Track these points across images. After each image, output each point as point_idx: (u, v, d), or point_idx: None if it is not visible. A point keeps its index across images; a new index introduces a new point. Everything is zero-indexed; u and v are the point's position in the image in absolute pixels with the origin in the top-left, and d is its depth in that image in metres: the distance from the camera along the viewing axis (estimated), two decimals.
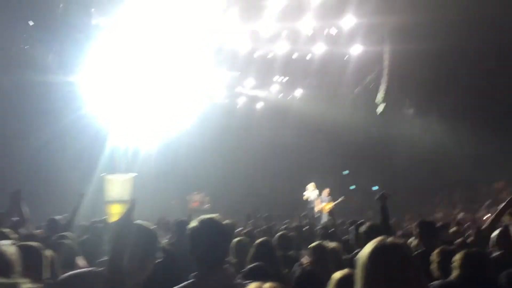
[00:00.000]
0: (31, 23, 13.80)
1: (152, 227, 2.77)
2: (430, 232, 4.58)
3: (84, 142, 14.63)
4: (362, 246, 2.02)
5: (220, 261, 2.54)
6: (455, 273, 3.25)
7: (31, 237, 5.21)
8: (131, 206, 2.52)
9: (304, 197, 15.77)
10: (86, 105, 14.96)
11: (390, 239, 1.92)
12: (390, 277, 1.77)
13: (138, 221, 2.70)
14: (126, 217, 2.51)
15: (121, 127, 16.34)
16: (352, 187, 16.17)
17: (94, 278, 2.49)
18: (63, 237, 4.85)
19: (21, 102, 14.72)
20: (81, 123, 14.57)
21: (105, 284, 2.37)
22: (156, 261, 2.70)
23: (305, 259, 3.95)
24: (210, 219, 2.59)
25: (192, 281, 2.47)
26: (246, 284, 2.36)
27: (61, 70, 13.77)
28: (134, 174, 7.39)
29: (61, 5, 13.35)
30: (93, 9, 14.16)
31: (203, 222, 2.56)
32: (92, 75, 14.72)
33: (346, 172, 17.90)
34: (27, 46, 14.25)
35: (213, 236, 2.52)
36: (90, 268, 2.58)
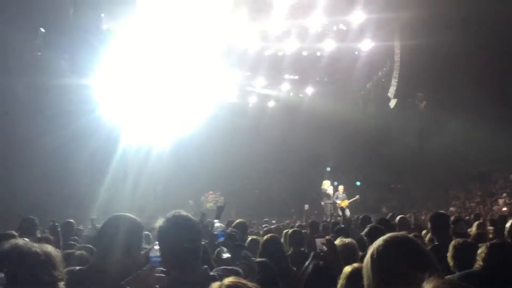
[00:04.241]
0: (42, 30, 14.01)
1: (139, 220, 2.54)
2: (443, 225, 4.48)
3: (97, 143, 14.77)
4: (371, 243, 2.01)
5: (192, 262, 2.22)
6: (480, 264, 3.21)
7: (47, 240, 5.26)
8: None
9: (327, 191, 15.68)
10: (99, 107, 15.12)
11: (401, 234, 1.92)
12: (400, 271, 1.76)
13: (126, 214, 2.56)
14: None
15: (133, 128, 16.50)
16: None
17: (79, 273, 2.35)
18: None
19: (35, 105, 14.97)
20: (94, 125, 14.72)
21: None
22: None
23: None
24: (177, 217, 2.27)
25: None
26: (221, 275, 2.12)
27: (74, 73, 13.93)
28: None
29: (72, 10, 13.53)
30: (102, 14, 14.31)
31: (170, 221, 2.25)
32: (105, 77, 14.89)
33: (358, 183, 17.93)
34: (39, 52, 14.48)
35: (181, 235, 2.20)
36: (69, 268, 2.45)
